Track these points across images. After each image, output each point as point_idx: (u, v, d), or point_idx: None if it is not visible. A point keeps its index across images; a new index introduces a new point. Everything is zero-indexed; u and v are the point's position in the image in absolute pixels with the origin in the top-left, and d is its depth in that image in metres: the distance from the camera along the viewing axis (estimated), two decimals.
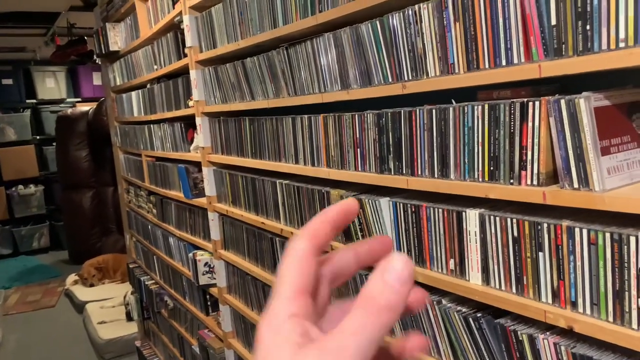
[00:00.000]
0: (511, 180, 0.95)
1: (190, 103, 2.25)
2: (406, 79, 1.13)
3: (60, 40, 5.25)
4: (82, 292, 4.95)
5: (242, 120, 1.91)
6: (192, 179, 2.36)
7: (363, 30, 1.22)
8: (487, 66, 0.96)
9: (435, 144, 1.09)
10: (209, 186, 2.21)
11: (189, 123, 2.45)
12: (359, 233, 1.37)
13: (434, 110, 1.08)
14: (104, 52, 3.41)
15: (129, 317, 4.06)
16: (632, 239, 0.79)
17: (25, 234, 6.87)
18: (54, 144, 6.66)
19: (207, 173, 2.20)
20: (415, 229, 1.18)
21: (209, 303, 2.48)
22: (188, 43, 2.12)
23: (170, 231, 2.79)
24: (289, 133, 1.62)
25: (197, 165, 2.35)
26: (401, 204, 1.20)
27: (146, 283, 3.32)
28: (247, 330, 2.17)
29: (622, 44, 0.76)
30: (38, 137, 7.16)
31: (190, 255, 2.40)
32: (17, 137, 6.93)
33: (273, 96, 1.67)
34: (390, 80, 1.18)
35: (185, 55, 2.20)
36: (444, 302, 1.16)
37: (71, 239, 6.31)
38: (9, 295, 5.38)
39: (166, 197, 2.81)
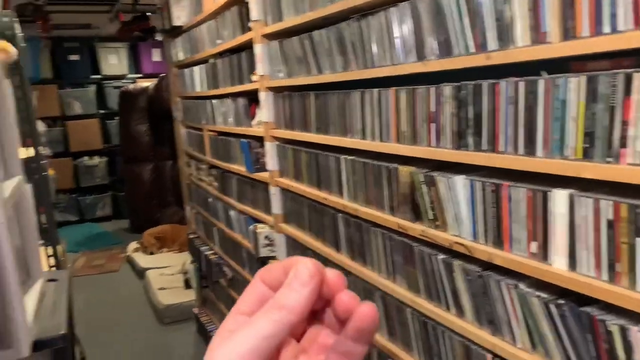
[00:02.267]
0: (608, 159, 0.88)
1: (254, 78, 2.25)
2: (490, 49, 1.07)
3: (124, 17, 5.39)
4: (142, 260, 5.18)
5: (307, 95, 1.88)
6: (254, 153, 2.38)
7: None
8: (586, 34, 0.89)
9: (520, 119, 1.02)
10: (271, 161, 2.21)
11: (251, 98, 2.46)
12: (429, 212, 1.33)
13: (521, 83, 1.01)
14: (167, 27, 3.46)
15: (187, 285, 4.21)
16: None
17: (90, 203, 7.24)
18: (117, 118, 6.92)
19: (270, 148, 2.21)
20: (494, 209, 1.12)
21: None
22: (253, 17, 2.10)
23: (231, 204, 2.84)
24: (357, 108, 1.59)
25: (259, 140, 2.36)
26: (479, 183, 1.15)
27: (206, 253, 3.41)
28: None
29: None
30: (102, 112, 7.45)
31: (251, 227, 2.43)
32: (83, 111, 7.25)
33: (341, 70, 1.63)
34: (472, 50, 1.11)
35: (250, 29, 2.19)
36: (521, 286, 1.10)
37: (132, 209, 6.59)
38: (77, 258, 5.71)
39: (227, 171, 2.85)
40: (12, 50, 2.21)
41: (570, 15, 0.91)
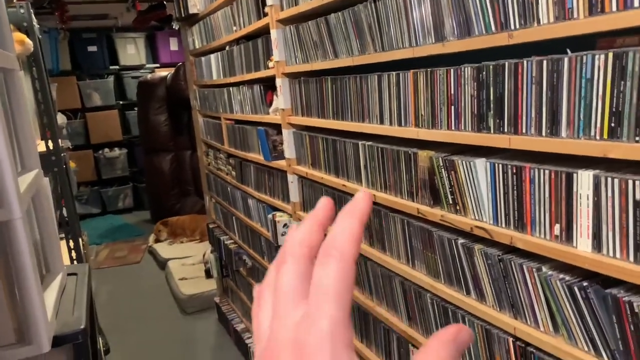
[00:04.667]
0: (637, 138, 0.86)
1: (270, 64, 2.24)
2: (513, 27, 1.04)
3: (140, 6, 5.41)
4: (164, 250, 5.24)
5: (323, 80, 1.87)
6: (271, 141, 2.37)
7: None
8: (614, 9, 0.85)
9: (544, 99, 1.00)
10: (289, 148, 2.21)
11: (268, 85, 2.45)
12: (449, 196, 1.31)
13: (544, 62, 0.98)
14: (183, 15, 3.46)
15: (208, 275, 4.25)
16: None
17: (112, 195, 7.31)
18: (136, 108, 6.96)
19: (287, 135, 2.20)
20: (515, 191, 1.10)
21: None
22: (269, 1, 2.08)
23: (249, 193, 2.85)
24: (374, 92, 1.57)
25: (277, 127, 2.35)
26: (500, 165, 1.13)
27: (225, 243, 3.44)
28: None
29: None
30: (121, 102, 7.48)
31: (270, 216, 2.43)
32: (103, 102, 7.26)
33: (358, 53, 1.61)
34: (493, 29, 1.09)
35: (266, 15, 2.18)
36: (544, 269, 1.08)
37: (152, 200, 6.65)
38: (100, 250, 5.79)
39: (245, 160, 2.85)
40: (29, 42, 2.24)
41: None
